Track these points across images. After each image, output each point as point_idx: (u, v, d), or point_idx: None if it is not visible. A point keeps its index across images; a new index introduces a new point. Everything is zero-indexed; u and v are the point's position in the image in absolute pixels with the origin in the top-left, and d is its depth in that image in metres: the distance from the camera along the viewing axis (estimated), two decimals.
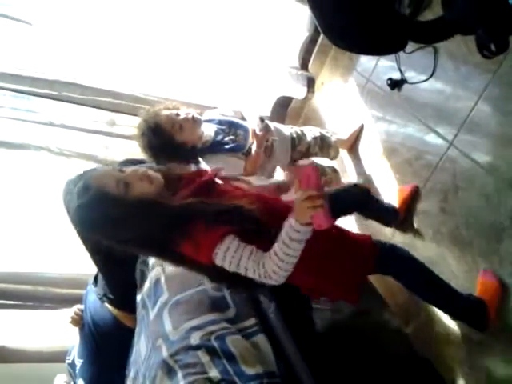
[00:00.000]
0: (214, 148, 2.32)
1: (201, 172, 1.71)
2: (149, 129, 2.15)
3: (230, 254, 1.36)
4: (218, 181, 1.62)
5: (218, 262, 1.38)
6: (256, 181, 2.06)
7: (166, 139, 2.15)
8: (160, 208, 1.42)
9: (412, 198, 2.30)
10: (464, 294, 1.82)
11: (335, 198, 1.75)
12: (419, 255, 2.15)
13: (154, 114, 2.17)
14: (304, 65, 3.31)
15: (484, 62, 1.75)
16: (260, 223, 1.42)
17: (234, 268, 1.37)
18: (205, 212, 1.41)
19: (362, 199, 2.18)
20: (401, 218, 2.32)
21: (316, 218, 1.25)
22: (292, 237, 1.29)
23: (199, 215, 1.41)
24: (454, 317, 1.91)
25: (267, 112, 3.39)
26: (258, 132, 2.29)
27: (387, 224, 2.36)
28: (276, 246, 1.32)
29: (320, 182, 1.31)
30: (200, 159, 2.33)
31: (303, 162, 2.49)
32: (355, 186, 2.31)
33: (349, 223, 2.56)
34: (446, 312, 1.90)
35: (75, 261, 2.88)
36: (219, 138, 2.35)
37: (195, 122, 2.24)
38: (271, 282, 1.37)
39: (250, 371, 1.62)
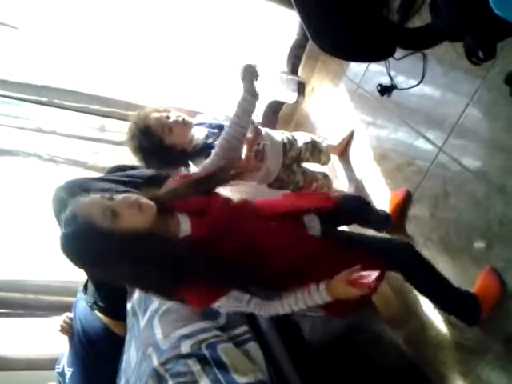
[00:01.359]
0: (204, 151, 2.30)
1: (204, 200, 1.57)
2: (139, 131, 2.14)
3: (228, 304, 1.43)
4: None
5: (214, 306, 1.44)
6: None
7: (155, 141, 2.14)
8: (150, 245, 1.34)
9: (404, 204, 2.30)
10: (458, 288, 1.83)
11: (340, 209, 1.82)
12: None
13: (144, 117, 2.16)
14: (294, 70, 3.31)
15: (473, 67, 1.77)
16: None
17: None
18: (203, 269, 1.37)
19: (361, 210, 2.13)
20: (392, 223, 2.32)
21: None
22: (315, 302, 1.39)
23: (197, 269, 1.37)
24: (443, 309, 1.91)
25: (258, 117, 3.39)
26: (248, 135, 2.29)
27: (379, 230, 2.35)
28: (288, 302, 1.39)
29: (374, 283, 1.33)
30: (190, 162, 2.34)
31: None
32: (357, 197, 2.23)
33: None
34: (435, 303, 1.90)
35: (65, 268, 2.85)
36: (210, 141, 2.33)
37: (185, 125, 2.24)
38: None
39: (241, 380, 1.61)
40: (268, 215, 1.62)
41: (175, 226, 1.45)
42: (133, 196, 1.42)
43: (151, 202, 1.42)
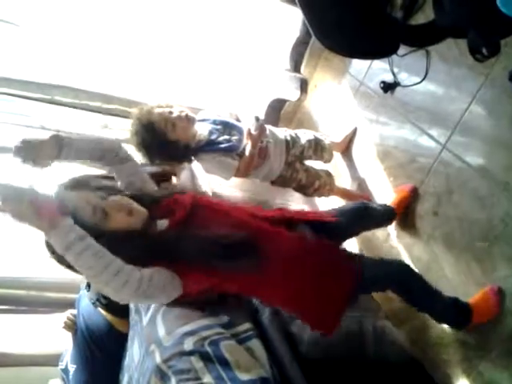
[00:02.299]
0: (207, 147, 2.31)
1: (177, 199, 1.62)
2: (142, 126, 2.14)
3: None
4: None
5: None
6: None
7: (158, 137, 2.15)
8: (137, 241, 1.39)
9: (410, 199, 2.28)
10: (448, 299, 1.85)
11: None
12: (413, 259, 2.17)
13: (146, 112, 2.17)
14: (297, 67, 3.30)
15: (476, 64, 1.76)
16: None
17: None
18: (187, 252, 1.42)
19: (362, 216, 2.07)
20: (398, 217, 2.30)
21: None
22: None
23: (182, 254, 1.42)
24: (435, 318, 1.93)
25: (261, 115, 3.38)
26: (253, 132, 2.28)
27: (382, 226, 2.34)
28: None
29: None
30: (193, 158, 2.34)
31: None
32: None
33: None
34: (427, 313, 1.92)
35: None
36: (213, 137, 2.33)
37: (189, 121, 2.24)
38: None
39: (243, 377, 1.61)
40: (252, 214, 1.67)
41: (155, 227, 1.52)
42: (124, 199, 1.47)
43: (142, 209, 1.48)
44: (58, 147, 1.48)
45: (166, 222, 1.52)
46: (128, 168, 1.67)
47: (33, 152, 1.41)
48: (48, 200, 1.23)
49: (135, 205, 1.48)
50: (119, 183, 1.67)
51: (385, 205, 2.29)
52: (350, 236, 2.13)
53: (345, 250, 1.82)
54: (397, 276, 1.76)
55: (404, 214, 2.30)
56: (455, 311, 1.84)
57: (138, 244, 1.39)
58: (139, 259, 1.35)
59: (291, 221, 1.76)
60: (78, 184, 1.53)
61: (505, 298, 1.78)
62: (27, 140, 1.41)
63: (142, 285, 1.28)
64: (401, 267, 1.81)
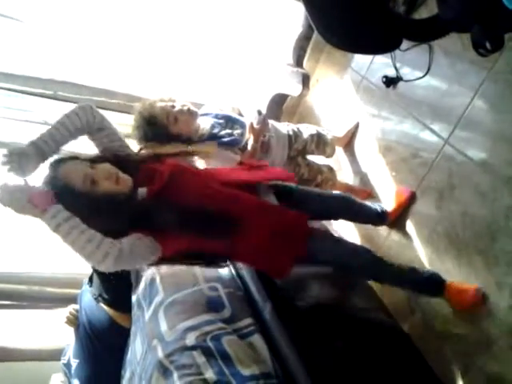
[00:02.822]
0: (209, 141, 2.31)
1: (156, 168, 1.71)
2: (144, 120, 2.14)
3: None
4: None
5: None
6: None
7: (160, 130, 2.15)
8: (122, 206, 1.50)
9: (407, 204, 2.29)
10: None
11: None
12: (414, 254, 2.17)
13: (149, 106, 2.17)
14: (299, 62, 3.29)
15: (479, 59, 1.74)
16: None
17: None
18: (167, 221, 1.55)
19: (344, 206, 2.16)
20: (391, 220, 2.32)
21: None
22: None
23: (159, 223, 1.55)
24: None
25: (263, 110, 3.37)
26: (255, 125, 2.28)
27: (375, 225, 2.36)
28: None
29: None
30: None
31: None
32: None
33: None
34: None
35: (70, 260, 2.86)
36: (215, 131, 2.33)
37: (191, 115, 2.24)
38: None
39: (245, 372, 1.61)
40: (223, 182, 1.77)
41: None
42: (112, 169, 1.56)
43: (128, 177, 1.57)
44: (41, 155, 1.56)
45: (145, 191, 1.58)
46: (106, 136, 1.73)
47: (18, 165, 1.47)
48: (39, 191, 1.43)
49: (121, 173, 1.56)
50: (97, 148, 1.75)
51: (374, 208, 2.29)
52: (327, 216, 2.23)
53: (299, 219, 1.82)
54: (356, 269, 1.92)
55: (406, 209, 2.30)
56: (427, 284, 1.96)
57: (122, 210, 1.51)
58: (122, 225, 1.51)
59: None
60: (67, 158, 1.60)
61: (504, 292, 1.78)
62: (10, 154, 1.47)
63: (123, 254, 1.45)
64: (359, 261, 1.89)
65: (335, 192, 2.27)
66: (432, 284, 1.95)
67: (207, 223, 1.58)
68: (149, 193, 1.58)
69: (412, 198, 2.28)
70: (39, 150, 1.55)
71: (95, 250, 1.42)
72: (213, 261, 1.96)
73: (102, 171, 1.54)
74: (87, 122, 1.66)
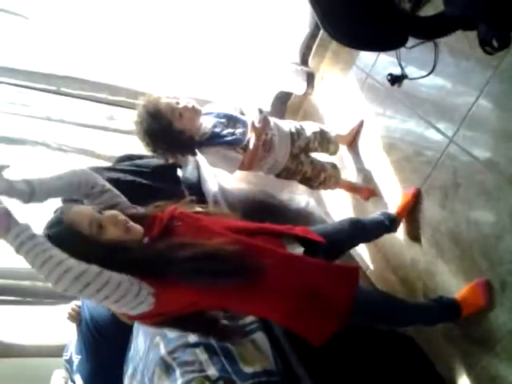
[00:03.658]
0: (211, 140, 2.30)
1: (156, 215, 1.59)
2: (148, 114, 2.14)
3: None
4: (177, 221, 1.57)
5: None
6: None
7: (164, 125, 2.15)
8: (128, 255, 1.39)
9: (414, 202, 2.28)
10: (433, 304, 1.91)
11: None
12: (417, 255, 2.16)
13: (154, 100, 2.17)
14: (304, 60, 3.29)
15: (485, 57, 1.73)
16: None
17: None
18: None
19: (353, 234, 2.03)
20: (400, 220, 2.29)
21: None
22: None
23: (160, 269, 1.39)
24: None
25: (267, 107, 3.37)
26: (256, 124, 2.28)
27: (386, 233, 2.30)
28: None
29: None
30: (197, 151, 2.33)
31: None
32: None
33: None
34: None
35: None
36: (217, 130, 2.33)
37: (195, 112, 2.25)
38: None
39: (248, 369, 1.61)
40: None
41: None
42: (121, 216, 1.46)
43: (139, 227, 1.48)
44: (30, 189, 1.41)
45: (147, 239, 1.49)
46: (105, 199, 1.60)
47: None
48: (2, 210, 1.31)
49: (132, 223, 1.47)
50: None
51: (381, 217, 2.23)
52: (348, 248, 2.17)
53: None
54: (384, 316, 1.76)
55: (411, 215, 2.29)
56: (441, 310, 1.89)
57: (124, 260, 1.38)
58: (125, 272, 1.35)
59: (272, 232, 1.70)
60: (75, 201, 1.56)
61: (508, 292, 1.77)
62: None
63: (88, 276, 1.27)
64: (388, 304, 1.79)
65: (340, 221, 2.09)
66: (448, 310, 1.89)
67: (222, 267, 1.38)
68: (149, 240, 1.48)
69: (418, 197, 2.27)
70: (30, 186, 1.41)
71: (54, 268, 1.25)
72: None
73: (109, 217, 1.45)
74: (89, 181, 1.56)
